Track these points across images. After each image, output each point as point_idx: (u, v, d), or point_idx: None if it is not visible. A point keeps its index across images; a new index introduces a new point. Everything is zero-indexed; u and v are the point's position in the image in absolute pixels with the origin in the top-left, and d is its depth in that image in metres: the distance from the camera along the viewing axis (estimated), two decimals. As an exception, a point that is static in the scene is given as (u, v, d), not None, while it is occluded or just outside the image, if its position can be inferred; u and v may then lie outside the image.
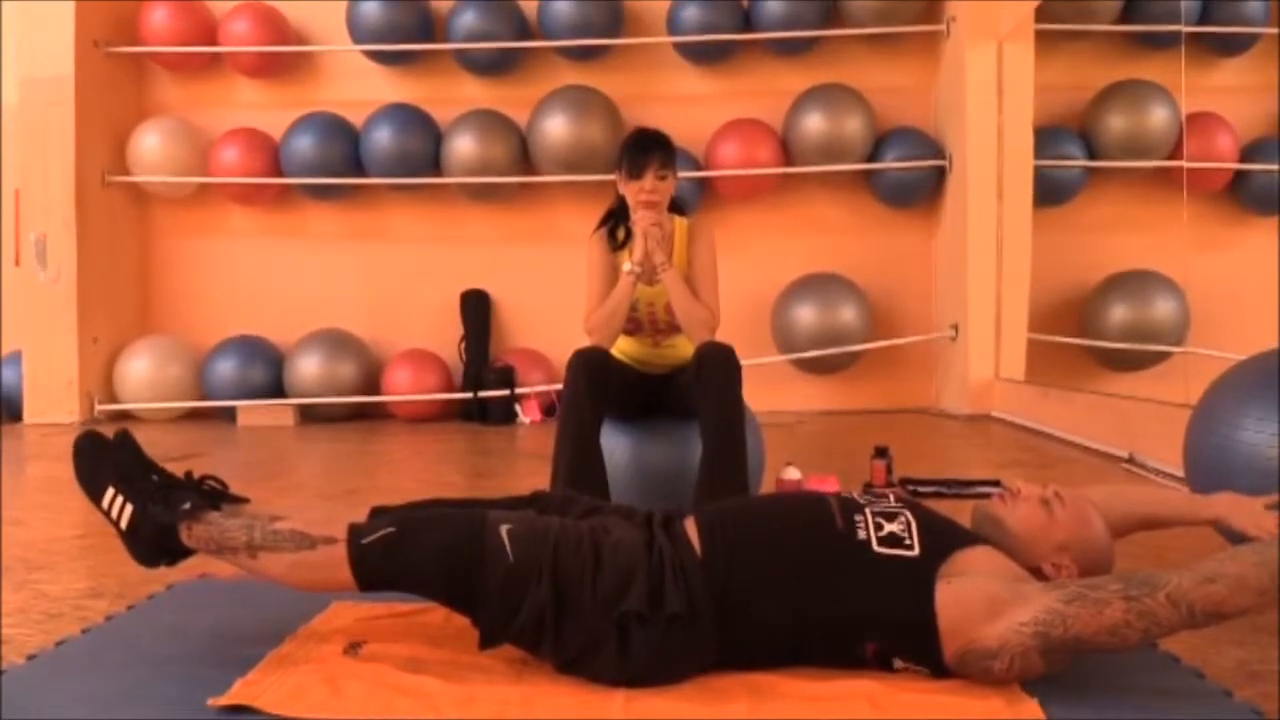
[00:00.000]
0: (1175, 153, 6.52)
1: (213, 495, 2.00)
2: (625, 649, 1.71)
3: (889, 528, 1.78)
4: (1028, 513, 1.87)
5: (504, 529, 1.79)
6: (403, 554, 1.79)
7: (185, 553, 1.95)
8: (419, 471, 4.79)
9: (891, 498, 1.91)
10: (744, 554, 1.79)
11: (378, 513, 1.96)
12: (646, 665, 1.72)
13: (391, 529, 1.81)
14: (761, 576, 1.76)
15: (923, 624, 1.69)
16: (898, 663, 1.74)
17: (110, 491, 1.96)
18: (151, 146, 6.75)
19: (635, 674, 1.72)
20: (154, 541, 1.94)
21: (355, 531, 1.82)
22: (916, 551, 1.75)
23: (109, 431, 2.05)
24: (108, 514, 1.97)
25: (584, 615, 1.73)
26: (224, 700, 1.64)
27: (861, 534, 1.78)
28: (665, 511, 1.93)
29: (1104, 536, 1.89)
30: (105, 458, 2.00)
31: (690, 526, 1.86)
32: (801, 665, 1.75)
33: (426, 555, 1.79)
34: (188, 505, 1.92)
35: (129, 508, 1.94)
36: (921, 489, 3.74)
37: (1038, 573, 1.81)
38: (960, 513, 1.89)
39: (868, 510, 1.83)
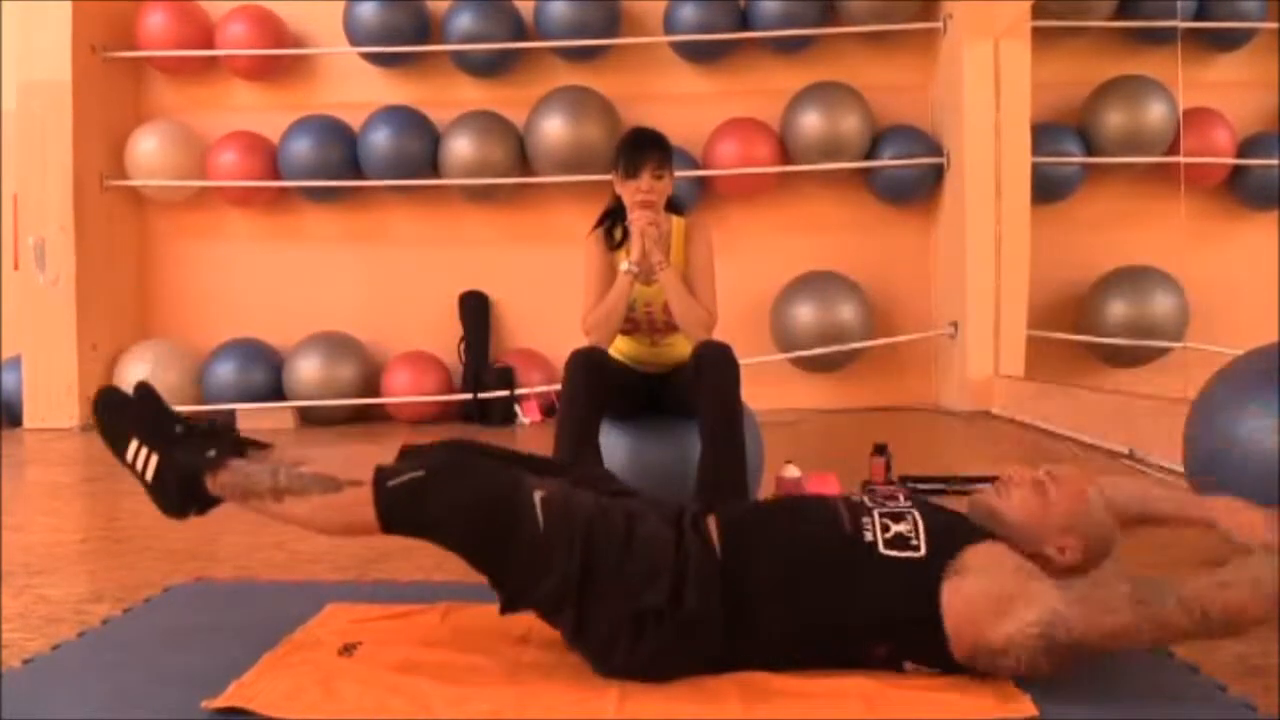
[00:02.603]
0: (1173, 148, 6.51)
1: (237, 442, 1.98)
2: (637, 642, 1.71)
3: (895, 529, 1.78)
4: (1022, 499, 1.85)
5: (538, 495, 1.77)
6: (429, 502, 1.76)
7: (212, 501, 1.93)
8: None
9: (901, 498, 1.90)
10: (757, 557, 1.79)
11: (406, 454, 1.92)
12: (651, 659, 1.72)
13: (420, 473, 1.78)
14: (772, 580, 1.76)
15: (930, 625, 1.68)
16: (908, 665, 1.74)
17: (134, 443, 1.94)
18: (149, 150, 6.75)
19: (638, 665, 1.72)
20: (180, 490, 1.92)
21: (381, 473, 1.79)
22: (923, 552, 1.74)
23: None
24: (132, 466, 1.95)
25: (606, 600, 1.72)
26: (219, 702, 1.64)
27: (869, 536, 1.77)
28: (695, 509, 1.91)
29: (1103, 512, 1.86)
30: (126, 411, 1.98)
31: (712, 526, 1.85)
32: (808, 668, 1.74)
33: (454, 507, 1.76)
34: (212, 453, 1.90)
35: (153, 458, 1.92)
36: (921, 486, 3.74)
37: (1042, 558, 1.79)
38: (961, 510, 1.88)
39: (875, 512, 1.82)
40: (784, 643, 1.75)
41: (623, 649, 1.72)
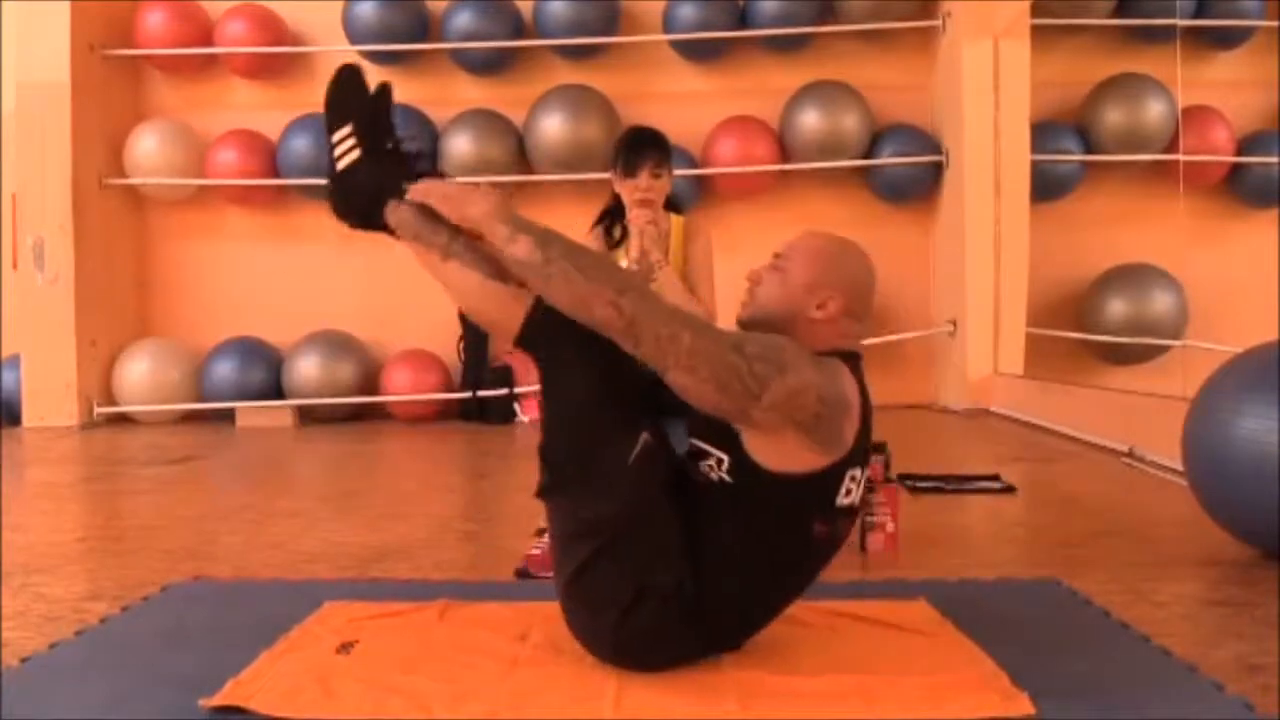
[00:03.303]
0: (1172, 147, 6.51)
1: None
2: (629, 614, 1.71)
3: (710, 463, 1.76)
4: (767, 288, 1.85)
5: (644, 436, 1.75)
6: (573, 346, 1.75)
7: (377, 225, 1.91)
8: (418, 472, 4.79)
9: (688, 440, 1.85)
10: (708, 532, 1.78)
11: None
12: (639, 636, 1.73)
13: (578, 324, 1.75)
14: (722, 549, 1.75)
15: (787, 481, 1.70)
16: (841, 499, 1.74)
17: (349, 128, 1.92)
18: (148, 149, 6.75)
19: (622, 641, 1.73)
20: (361, 196, 1.90)
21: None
22: (727, 458, 1.73)
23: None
24: (333, 149, 1.92)
25: (619, 562, 1.72)
26: (216, 701, 1.64)
27: (714, 478, 1.76)
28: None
29: (846, 258, 1.88)
30: (362, 97, 1.95)
31: None
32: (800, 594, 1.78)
33: (588, 371, 1.75)
34: (408, 186, 1.87)
35: (356, 152, 1.90)
36: (920, 485, 3.74)
37: (811, 323, 1.81)
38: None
39: (699, 465, 1.79)
40: (749, 604, 1.78)
41: (613, 615, 1.72)
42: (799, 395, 1.65)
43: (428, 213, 1.87)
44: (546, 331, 1.76)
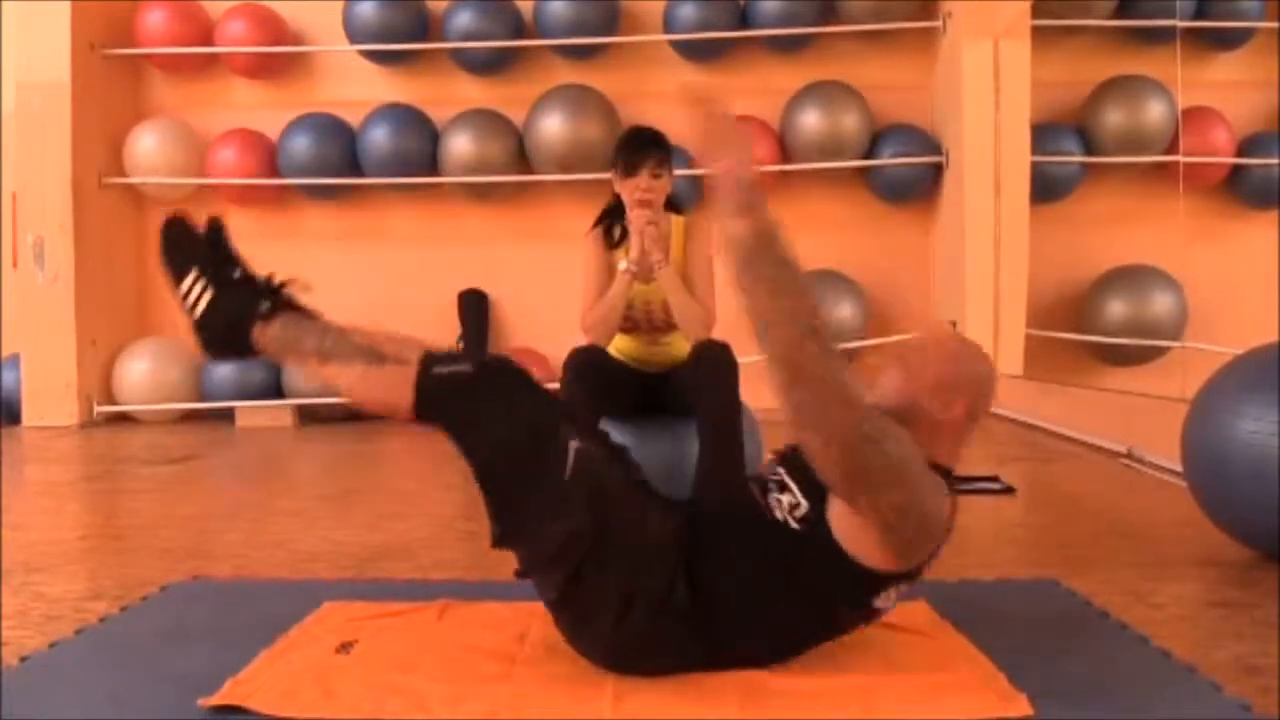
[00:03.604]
0: (1172, 148, 6.50)
1: (290, 302, 1.97)
2: (620, 621, 1.70)
3: (784, 499, 1.75)
4: (889, 380, 1.83)
5: (574, 445, 1.74)
6: (469, 400, 1.74)
7: (252, 352, 1.93)
8: (418, 471, 4.79)
9: (777, 465, 1.85)
10: (724, 553, 1.77)
11: (458, 352, 1.92)
12: (632, 643, 1.72)
13: (468, 368, 1.77)
14: (736, 578, 1.75)
15: (851, 567, 1.68)
16: (874, 603, 1.73)
17: (192, 275, 1.94)
18: (148, 148, 6.75)
19: (619, 647, 1.73)
20: (225, 334, 1.92)
21: (429, 358, 1.79)
22: (805, 506, 1.72)
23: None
24: (185, 298, 1.94)
25: (604, 569, 1.70)
26: (215, 700, 1.64)
27: (779, 515, 1.75)
28: (698, 505, 1.90)
29: (974, 360, 1.85)
30: (194, 241, 1.98)
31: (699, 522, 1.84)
32: (796, 654, 1.75)
33: (489, 418, 1.73)
34: (266, 305, 1.90)
35: (207, 294, 1.92)
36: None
37: (934, 423, 1.77)
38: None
39: (770, 494, 1.79)
40: (758, 632, 1.75)
41: (608, 625, 1.71)
42: (906, 512, 1.65)
43: (292, 322, 1.90)
44: (438, 397, 1.76)
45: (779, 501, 1.76)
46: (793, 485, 1.76)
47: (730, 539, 1.79)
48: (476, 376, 1.76)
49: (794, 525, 1.73)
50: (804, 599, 1.73)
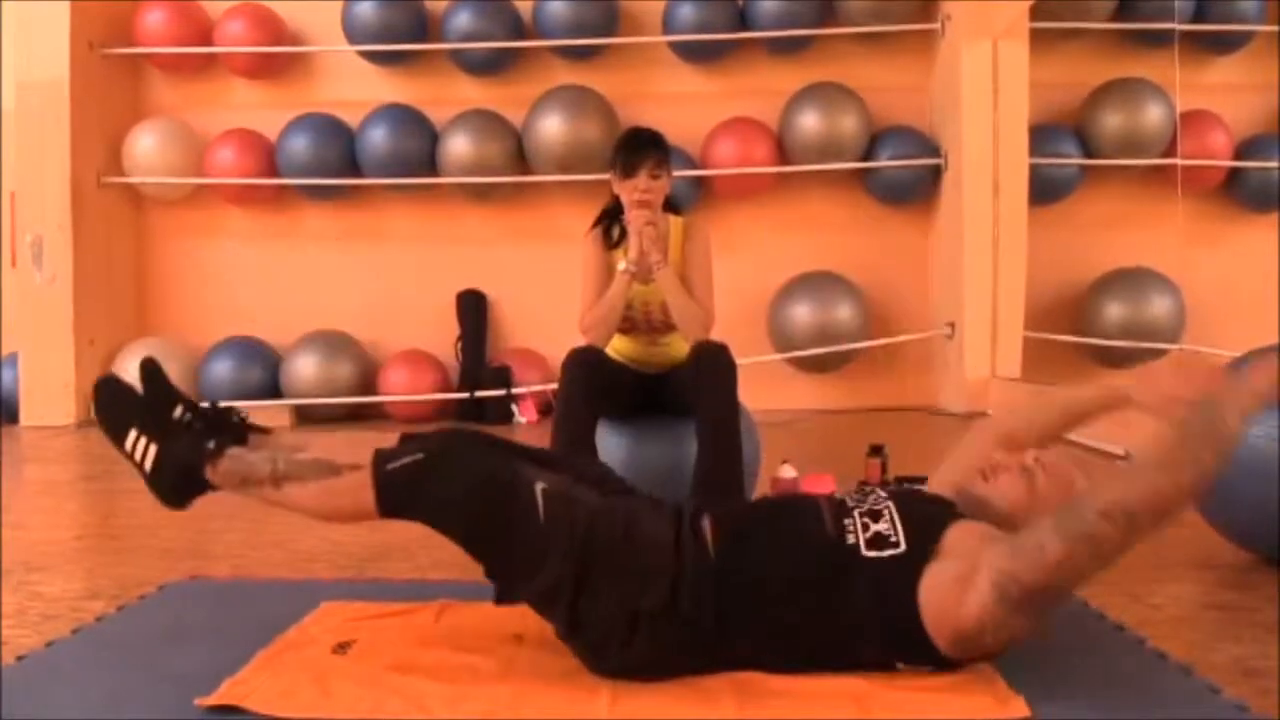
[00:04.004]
0: (1170, 150, 6.51)
1: (236, 428, 1.98)
2: (630, 640, 1.71)
3: (875, 527, 1.76)
4: (1010, 486, 1.83)
5: (539, 487, 1.76)
6: (429, 485, 1.76)
7: (212, 489, 1.94)
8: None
9: (881, 493, 1.89)
10: (749, 561, 1.78)
11: (406, 439, 1.92)
12: (645, 659, 1.72)
13: (419, 455, 1.78)
14: (761, 584, 1.75)
15: (912, 624, 1.68)
16: (900, 665, 1.73)
17: (133, 433, 1.94)
18: (147, 148, 6.74)
19: (631, 666, 1.72)
20: (178, 481, 1.93)
21: (380, 456, 1.80)
22: (903, 548, 1.73)
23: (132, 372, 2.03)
24: (131, 456, 1.95)
25: (602, 597, 1.71)
26: (212, 700, 1.64)
27: (851, 538, 1.76)
28: (693, 509, 1.90)
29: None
30: (126, 399, 1.98)
31: (707, 527, 1.84)
32: (800, 670, 1.74)
33: (453, 493, 1.75)
34: (211, 444, 1.90)
35: (152, 449, 1.92)
36: (918, 488, 3.73)
37: (1006, 527, 1.77)
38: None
39: (856, 512, 1.81)
40: (774, 646, 1.75)
41: (616, 648, 1.72)
42: (1003, 622, 1.64)
43: (240, 452, 1.90)
44: (399, 493, 1.78)
45: (861, 525, 1.77)
46: (896, 521, 1.76)
47: (761, 544, 1.79)
48: (428, 460, 1.78)
49: (865, 551, 1.73)
50: (833, 617, 1.72)
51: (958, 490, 1.91)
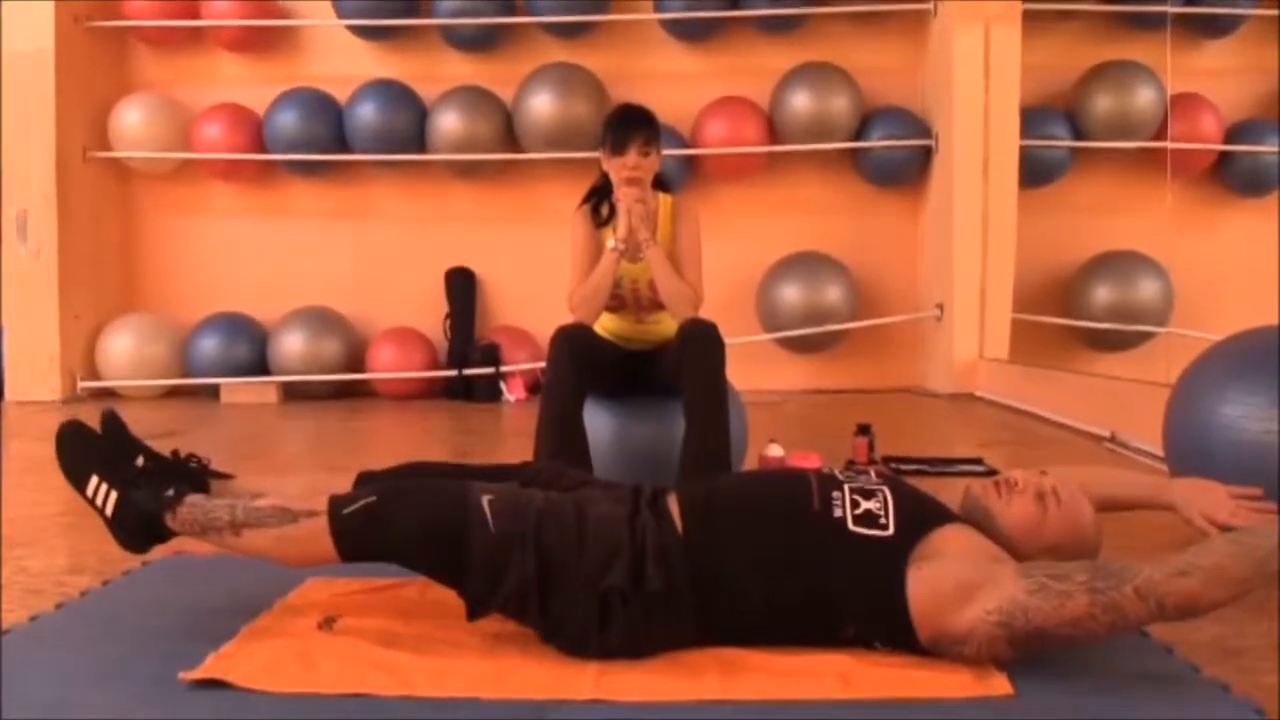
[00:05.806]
0: (1160, 134, 6.51)
1: (196, 475, 2.02)
2: (605, 624, 1.72)
3: (865, 505, 1.77)
4: (1021, 509, 1.82)
5: (485, 500, 1.79)
6: (384, 524, 1.79)
7: (171, 535, 1.95)
8: (403, 449, 4.78)
9: (873, 474, 1.89)
10: (722, 532, 1.78)
11: (363, 480, 1.97)
12: (624, 641, 1.72)
13: (372, 498, 1.82)
14: (738, 555, 1.76)
15: (895, 609, 1.68)
16: (877, 644, 1.74)
17: (94, 480, 1.96)
18: (133, 122, 6.69)
19: (612, 649, 1.72)
20: (138, 528, 1.95)
21: (335, 503, 1.82)
22: (891, 531, 1.74)
23: (94, 411, 2.05)
24: (91, 501, 1.97)
25: (568, 589, 1.73)
26: (196, 674, 1.64)
27: (838, 512, 1.77)
28: (652, 487, 1.92)
29: (1095, 539, 1.85)
30: (88, 445, 2.00)
31: (673, 503, 1.85)
32: (780, 645, 1.75)
33: (408, 526, 1.79)
34: (171, 492, 1.93)
35: (113, 495, 1.94)
36: (904, 467, 3.75)
37: (1009, 549, 1.79)
38: (942, 491, 1.88)
39: (846, 487, 1.82)
40: (754, 619, 1.76)
41: (595, 634, 1.72)
42: (994, 644, 1.65)
43: (200, 500, 1.92)
44: (356, 537, 1.80)
45: (851, 500, 1.78)
46: (890, 506, 1.77)
47: (738, 515, 1.80)
48: (381, 502, 1.81)
49: (852, 526, 1.74)
50: (812, 587, 1.73)
51: (967, 493, 1.91)
